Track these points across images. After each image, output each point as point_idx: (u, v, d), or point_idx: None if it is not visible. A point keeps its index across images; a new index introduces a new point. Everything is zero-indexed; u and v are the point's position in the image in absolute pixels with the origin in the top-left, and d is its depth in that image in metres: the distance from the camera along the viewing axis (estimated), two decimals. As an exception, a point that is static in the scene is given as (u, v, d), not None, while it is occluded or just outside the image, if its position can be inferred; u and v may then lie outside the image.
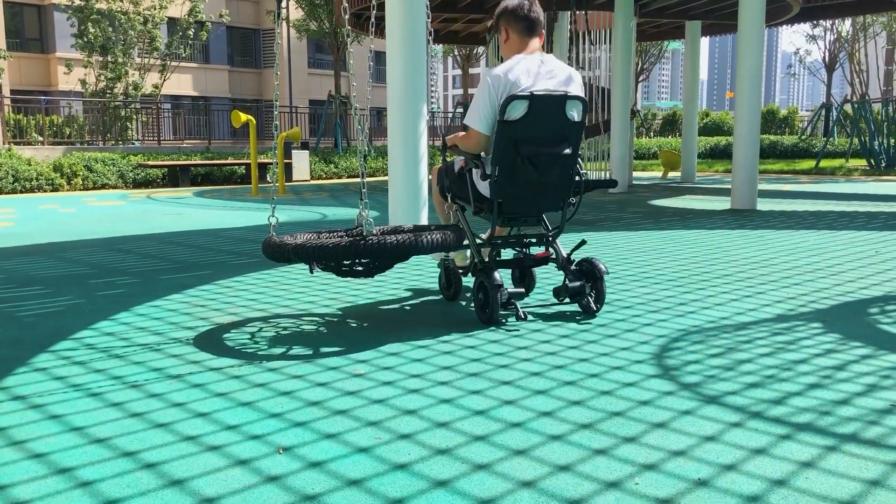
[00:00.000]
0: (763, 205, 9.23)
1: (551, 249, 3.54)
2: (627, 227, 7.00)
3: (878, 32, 32.86)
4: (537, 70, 3.26)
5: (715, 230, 6.68)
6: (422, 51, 5.56)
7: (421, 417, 2.14)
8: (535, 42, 3.39)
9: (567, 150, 3.26)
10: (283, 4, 27.04)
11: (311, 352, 2.81)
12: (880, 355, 2.72)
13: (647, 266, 4.78)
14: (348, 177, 17.03)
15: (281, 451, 1.90)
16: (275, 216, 3.17)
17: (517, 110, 3.15)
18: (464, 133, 3.37)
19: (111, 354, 2.80)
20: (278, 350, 2.84)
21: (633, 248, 5.61)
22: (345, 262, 2.95)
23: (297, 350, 2.84)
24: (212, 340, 3.00)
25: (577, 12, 12.61)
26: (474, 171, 3.42)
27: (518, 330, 3.14)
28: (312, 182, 15.54)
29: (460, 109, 24.83)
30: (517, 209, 3.38)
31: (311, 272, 3.01)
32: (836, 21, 31.25)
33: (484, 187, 3.38)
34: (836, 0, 13.22)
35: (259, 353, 2.81)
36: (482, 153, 3.38)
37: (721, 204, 9.46)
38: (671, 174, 16.28)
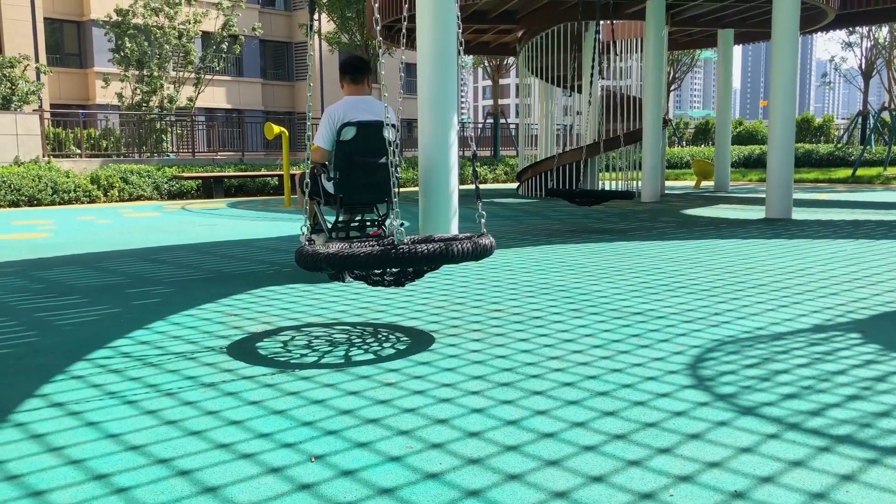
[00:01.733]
0: (798, 214, 9.09)
1: (382, 229, 4.84)
2: (660, 236, 6.93)
3: (916, 39, 32.26)
4: (360, 107, 4.63)
5: (749, 239, 6.59)
6: (452, 61, 5.58)
7: (452, 427, 2.13)
8: (362, 87, 4.75)
9: (383, 160, 4.56)
10: (315, 17, 27.34)
11: (342, 361, 2.82)
12: (922, 366, 2.66)
13: (680, 276, 4.73)
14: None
15: (313, 460, 1.90)
16: (307, 225, 3.19)
17: (349, 133, 4.46)
18: (315, 148, 4.67)
19: (146, 363, 2.83)
20: (310, 359, 2.86)
21: (665, 257, 5.56)
22: (375, 271, 2.96)
23: (328, 359, 2.85)
24: (245, 349, 3.02)
25: (604, 22, 12.59)
26: (322, 175, 4.72)
27: (549, 338, 3.13)
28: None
29: (490, 120, 24.86)
30: (353, 200, 4.68)
31: (343, 281, 3.02)
32: (873, 27, 30.78)
33: (329, 186, 4.66)
34: (873, 6, 13.02)
35: (291, 361, 2.83)
36: (326, 162, 4.65)
37: (755, 213, 9.34)
38: (704, 183, 16.12)
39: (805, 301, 3.88)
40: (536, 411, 2.26)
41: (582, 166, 10.36)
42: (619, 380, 2.56)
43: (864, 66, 32.06)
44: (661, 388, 2.46)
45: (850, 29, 31.10)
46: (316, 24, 27.55)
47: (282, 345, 3.09)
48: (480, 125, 27.25)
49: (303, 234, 3.14)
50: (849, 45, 32.42)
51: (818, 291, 4.14)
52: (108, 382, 2.59)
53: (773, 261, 5.32)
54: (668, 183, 17.66)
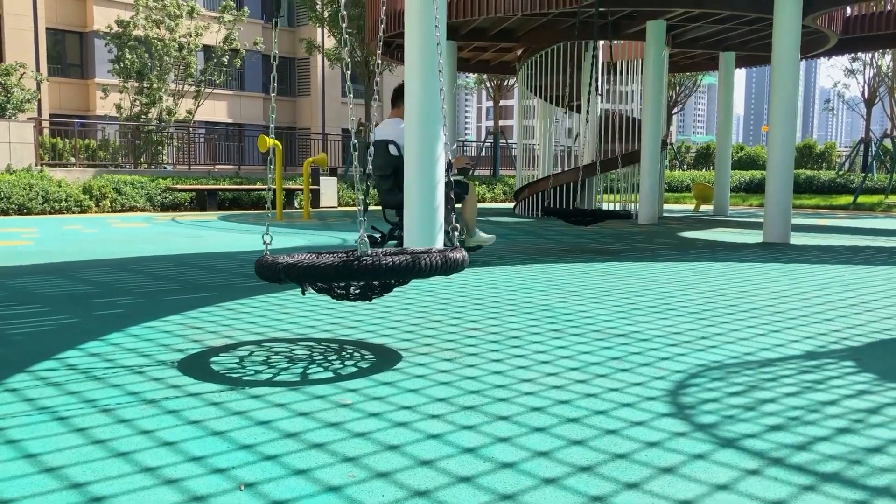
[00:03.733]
0: (797, 238, 8.92)
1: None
2: (653, 258, 6.76)
3: (919, 68, 32.24)
4: (382, 127, 5.90)
5: (745, 263, 6.42)
6: (439, 76, 5.43)
7: (403, 454, 1.95)
8: (395, 111, 5.98)
9: (388, 172, 5.75)
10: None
11: (298, 379, 2.64)
12: (919, 398, 2.48)
13: (671, 297, 4.55)
14: (376, 204, 16.96)
15: (242, 488, 1.72)
16: (269, 234, 3.02)
17: (372, 149, 5.14)
18: None
19: (90, 376, 2.65)
20: (265, 376, 2.68)
21: (657, 279, 5.38)
22: (338, 284, 2.79)
23: (284, 376, 2.67)
24: (199, 364, 2.84)
25: (604, 42, 12.49)
26: None
27: (524, 359, 2.95)
28: (340, 209, 15.49)
29: (490, 140, 24.76)
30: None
31: (304, 293, 2.85)
32: (876, 55, 30.77)
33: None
34: (875, 32, 12.93)
35: (245, 378, 2.65)
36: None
37: (753, 237, 9.17)
38: (703, 207, 15.97)
39: (798, 326, 3.70)
40: (498, 438, 2.08)
41: (580, 187, 10.21)
42: (593, 405, 2.38)
43: (866, 94, 32.05)
44: (637, 416, 2.28)
45: (853, 56, 31.13)
46: (318, 39, 27.58)
47: (238, 360, 2.91)
48: (479, 144, 27.17)
49: (265, 242, 2.97)
50: (851, 72, 32.44)
51: (812, 317, 3.96)
52: (44, 397, 2.41)
53: (767, 285, 5.14)
54: (667, 206, 17.52)
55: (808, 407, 2.38)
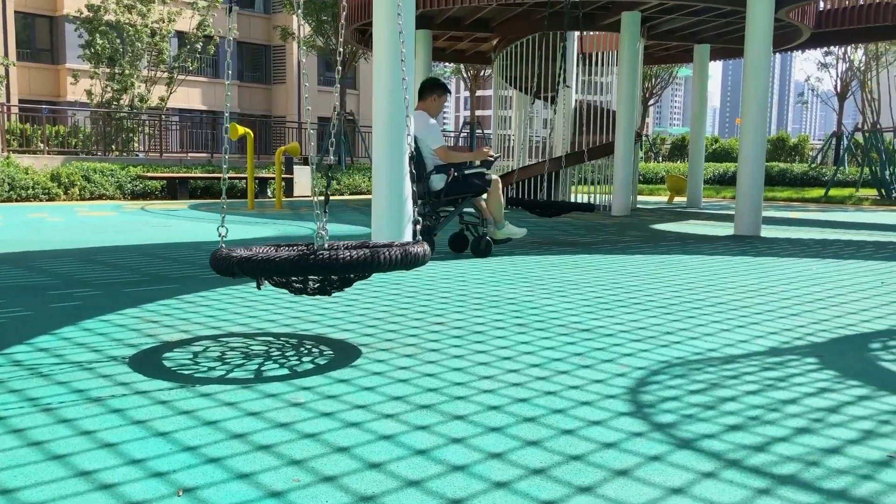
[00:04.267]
0: (768, 231, 8.96)
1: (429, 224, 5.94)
2: (624, 250, 6.75)
3: (890, 62, 32.61)
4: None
5: (714, 256, 6.42)
6: (410, 65, 5.36)
7: (353, 456, 1.89)
8: (422, 103, 5.95)
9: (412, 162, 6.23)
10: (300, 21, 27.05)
11: (252, 376, 2.57)
12: (879, 397, 2.46)
13: (638, 291, 4.53)
14: (350, 193, 16.85)
15: (180, 494, 1.65)
16: (224, 227, 2.94)
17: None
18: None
19: (36, 373, 2.57)
20: (218, 373, 2.61)
21: (626, 272, 5.36)
22: (294, 278, 2.72)
23: (237, 373, 2.60)
24: (151, 360, 2.76)
25: (579, 33, 12.45)
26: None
27: (486, 354, 2.90)
28: (313, 198, 15.33)
29: (466, 130, 24.69)
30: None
31: (259, 288, 2.78)
32: (849, 49, 31.04)
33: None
34: (847, 26, 13.01)
35: (196, 375, 2.57)
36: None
37: (724, 229, 9.20)
38: (677, 199, 16.03)
39: (763, 322, 3.68)
40: (452, 439, 2.03)
41: (553, 178, 10.17)
42: (552, 404, 2.34)
43: (839, 88, 32.35)
44: (595, 415, 2.24)
45: (826, 50, 31.38)
46: (293, 26, 27.31)
47: (192, 356, 2.83)
48: (456, 134, 27.08)
49: (220, 235, 2.89)
50: (824, 66, 32.71)
51: (778, 312, 3.95)
52: (-16, 395, 2.32)
53: (735, 278, 5.14)
54: (641, 198, 17.56)
55: (769, 406, 2.35)
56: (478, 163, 6.04)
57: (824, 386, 2.58)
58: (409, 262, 2.72)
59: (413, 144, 5.82)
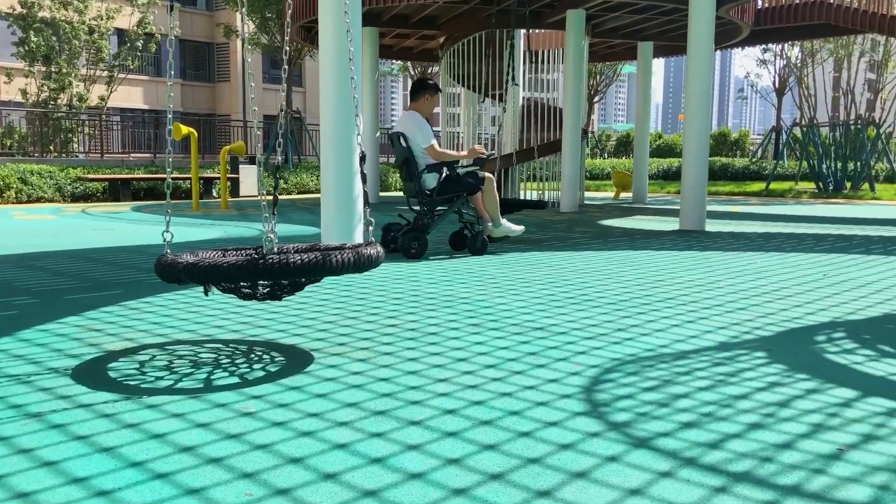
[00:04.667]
0: (712, 226, 9.13)
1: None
2: (574, 247, 6.79)
3: (825, 59, 33.61)
4: (398, 121, 6.12)
5: (661, 251, 6.51)
6: (356, 63, 5.30)
7: (307, 467, 1.85)
8: (414, 104, 6.15)
9: (402, 161, 5.98)
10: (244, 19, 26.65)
11: (201, 385, 2.50)
12: (826, 389, 2.51)
13: (589, 288, 4.55)
14: (298, 193, 16.66)
15: (127, 513, 1.59)
16: (169, 231, 2.85)
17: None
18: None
19: (-30, 388, 2.45)
20: (165, 383, 2.53)
21: (576, 268, 5.39)
22: (243, 284, 2.65)
23: (186, 383, 2.52)
24: (94, 371, 2.67)
25: (525, 31, 12.51)
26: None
27: (441, 356, 2.87)
28: (260, 198, 15.10)
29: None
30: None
31: (206, 294, 2.70)
32: (786, 47, 31.87)
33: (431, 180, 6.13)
34: (785, 24, 13.34)
35: (143, 385, 2.49)
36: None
37: (670, 224, 9.35)
38: (623, 195, 16.24)
39: (712, 316, 3.74)
40: (409, 446, 2.00)
41: (503, 176, 10.19)
42: (508, 405, 2.32)
43: (777, 84, 33.18)
44: (552, 416, 2.23)
45: (765, 47, 32.16)
46: (237, 23, 26.87)
47: (138, 365, 2.75)
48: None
49: (165, 240, 2.81)
50: (763, 62, 33.51)
51: (726, 306, 4.01)
52: (-86, 413, 2.20)
53: (682, 273, 5.21)
54: (588, 193, 17.76)
55: (721, 402, 2.38)
56: (470, 161, 6.28)
57: (774, 380, 2.62)
58: (361, 264, 2.68)
59: (405, 144, 5.95)
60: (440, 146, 6.26)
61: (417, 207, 6.11)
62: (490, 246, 6.50)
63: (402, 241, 5.81)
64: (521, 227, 6.49)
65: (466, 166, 6.23)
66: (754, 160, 23.50)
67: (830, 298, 4.26)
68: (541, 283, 4.72)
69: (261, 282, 2.67)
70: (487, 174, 6.22)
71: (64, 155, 18.86)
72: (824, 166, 17.26)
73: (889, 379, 2.64)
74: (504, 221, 6.39)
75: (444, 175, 6.02)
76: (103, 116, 21.04)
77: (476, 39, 12.52)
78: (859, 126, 17.34)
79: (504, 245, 6.84)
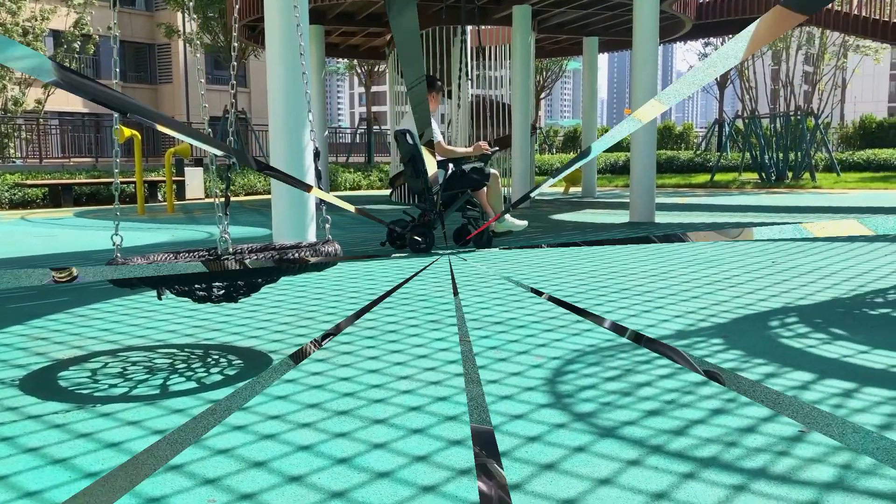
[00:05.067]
0: (661, 217, 9.26)
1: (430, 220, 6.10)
2: (527, 241, 6.82)
3: (764, 52, 34.41)
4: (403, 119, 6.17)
5: (614, 244, 6.56)
6: (304, 62, 5.23)
7: (270, 471, 1.80)
8: None
9: (407, 159, 6.04)
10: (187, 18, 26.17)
11: (157, 392, 2.43)
12: (784, 373, 2.55)
13: (545, 281, 4.57)
14: (246, 194, 16.41)
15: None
16: (119, 234, 2.77)
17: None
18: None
19: (-90, 403, 2.34)
20: (120, 390, 2.45)
21: (531, 263, 5.41)
22: (198, 286, 2.59)
23: (141, 390, 2.45)
24: (43, 381, 2.57)
25: (473, 27, 12.52)
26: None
27: (401, 354, 2.84)
28: (207, 200, 14.86)
29: (363, 127, 24.49)
30: None
31: (160, 298, 2.63)
32: (726, 40, 32.52)
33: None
34: (726, 18, 13.61)
35: (95, 394, 2.41)
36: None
37: (620, 217, 9.46)
38: (573, 189, 16.39)
39: (668, 305, 3.78)
40: (374, 445, 1.96)
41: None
42: (472, 401, 2.30)
43: (719, 77, 33.81)
44: (517, 409, 2.22)
45: (706, 40, 32.78)
46: (178, 22, 26.36)
47: (89, 373, 2.65)
48: (353, 130, 26.83)
49: (115, 243, 2.72)
50: (705, 56, 34.13)
51: (680, 295, 4.06)
52: None
53: (635, 265, 5.27)
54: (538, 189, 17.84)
55: (683, 389, 2.40)
56: (474, 158, 6.29)
57: (733, 366, 2.65)
58: (320, 262, 2.63)
59: (411, 142, 6.07)
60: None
61: (421, 203, 6.23)
62: (451, 242, 6.49)
63: (410, 236, 5.87)
64: (524, 222, 6.50)
65: (471, 161, 6.24)
66: (699, 152, 23.94)
67: (780, 285, 4.34)
68: (496, 279, 4.72)
69: (216, 283, 2.60)
70: (493, 171, 6.26)
71: (0, 161, 18.28)
72: (766, 157, 17.66)
73: (843, 361, 2.70)
74: (508, 216, 6.40)
75: (449, 171, 6.08)
76: (41, 120, 20.44)
77: (424, 36, 12.48)
78: (799, 117, 17.80)
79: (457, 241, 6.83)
